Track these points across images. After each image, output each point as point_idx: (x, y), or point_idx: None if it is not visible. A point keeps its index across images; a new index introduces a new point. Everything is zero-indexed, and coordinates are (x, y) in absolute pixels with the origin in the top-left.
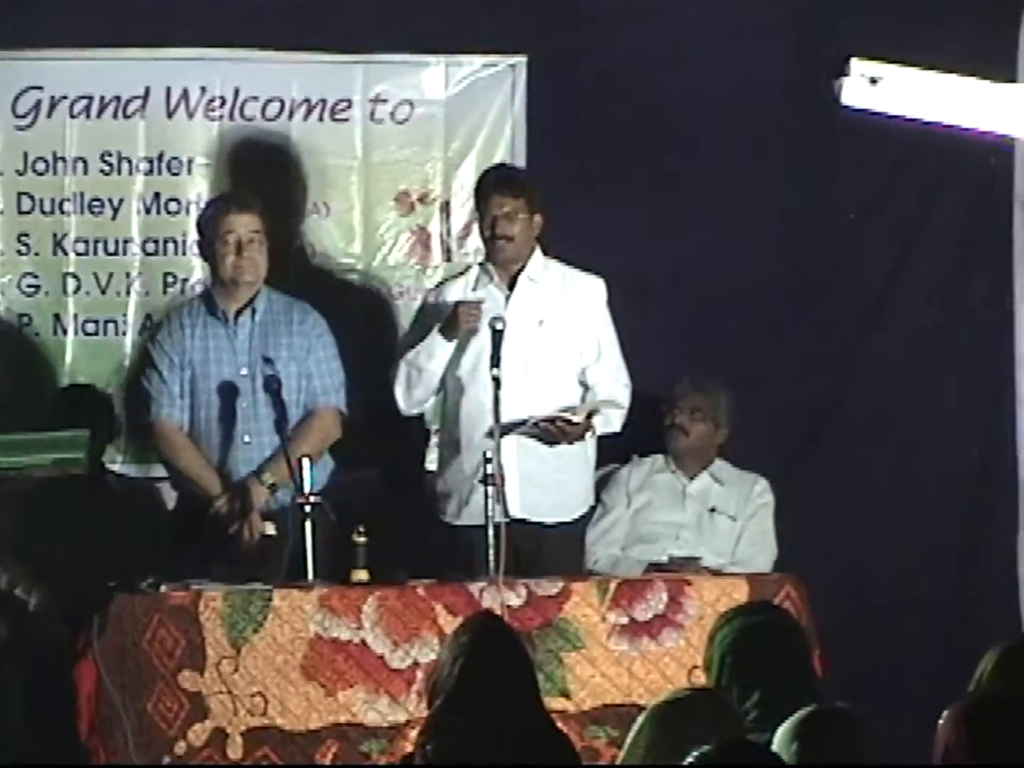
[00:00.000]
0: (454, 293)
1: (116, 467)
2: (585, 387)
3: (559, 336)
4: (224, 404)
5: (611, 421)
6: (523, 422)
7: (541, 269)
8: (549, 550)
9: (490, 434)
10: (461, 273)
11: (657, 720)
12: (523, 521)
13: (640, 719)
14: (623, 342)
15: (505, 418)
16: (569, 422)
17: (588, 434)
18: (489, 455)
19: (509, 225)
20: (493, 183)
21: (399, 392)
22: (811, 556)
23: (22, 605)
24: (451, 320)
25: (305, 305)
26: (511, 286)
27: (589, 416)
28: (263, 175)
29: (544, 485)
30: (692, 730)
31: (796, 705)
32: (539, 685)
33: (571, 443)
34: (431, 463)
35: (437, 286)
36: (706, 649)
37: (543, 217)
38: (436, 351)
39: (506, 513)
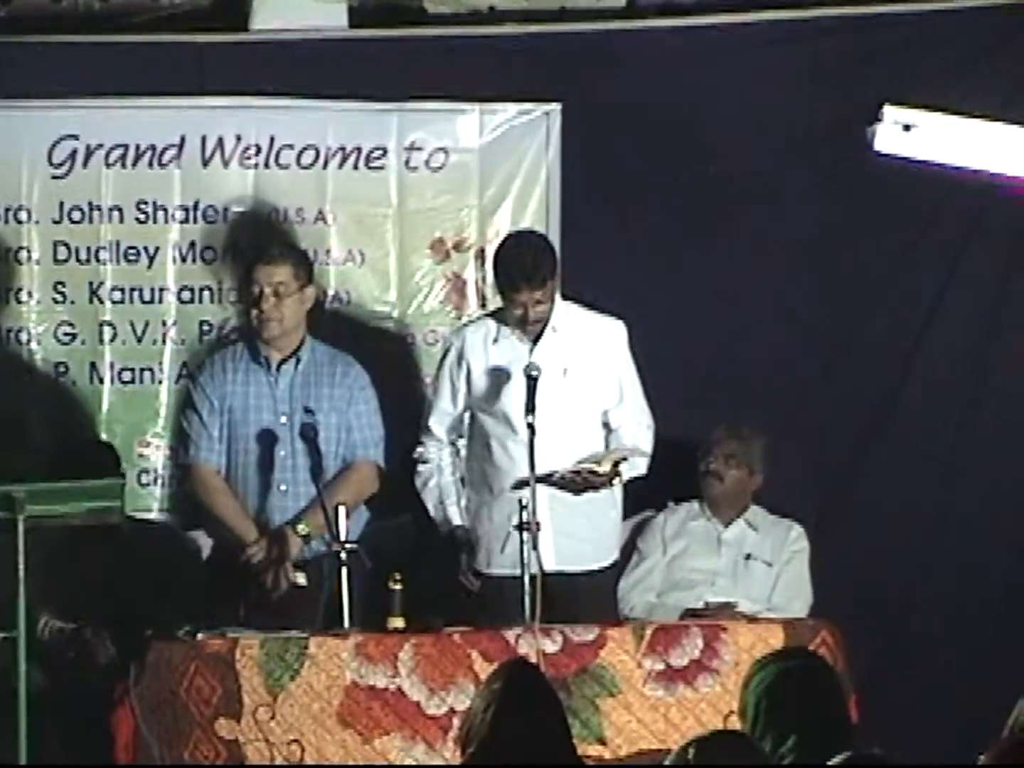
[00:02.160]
0: (476, 341)
1: (153, 515)
2: (608, 429)
3: (583, 383)
4: (262, 451)
5: (637, 465)
6: (550, 475)
7: (563, 317)
8: (582, 599)
9: (519, 484)
10: (480, 319)
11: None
12: (557, 573)
13: (667, 762)
14: (659, 386)
15: (537, 469)
16: (595, 472)
17: (616, 480)
18: (525, 502)
19: (540, 308)
20: (523, 279)
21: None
22: (847, 602)
23: (59, 655)
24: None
25: (348, 357)
26: (534, 337)
27: (615, 464)
28: (298, 223)
29: (577, 535)
30: None
31: (831, 752)
32: (572, 731)
33: (598, 490)
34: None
35: (458, 331)
36: (741, 695)
37: (573, 269)
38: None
39: (540, 566)
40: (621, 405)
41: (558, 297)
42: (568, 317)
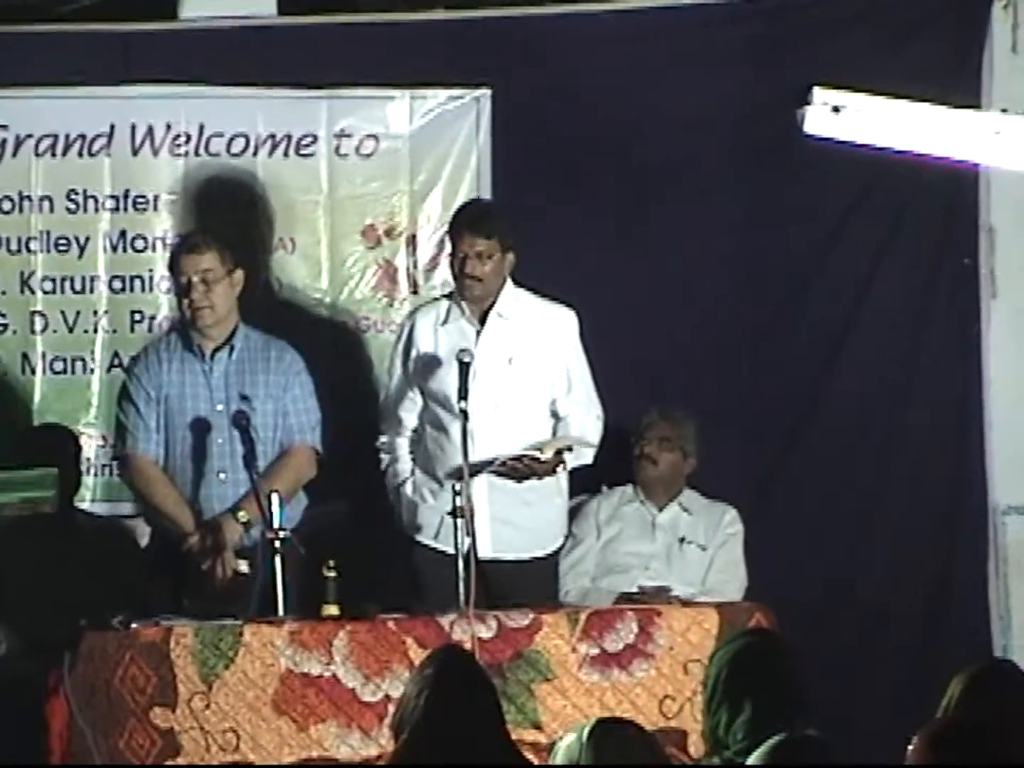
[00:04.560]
0: (425, 324)
1: (85, 504)
2: (557, 418)
3: (529, 372)
4: (198, 440)
5: (583, 455)
6: (491, 461)
7: (512, 304)
8: (523, 584)
9: (459, 469)
10: (434, 302)
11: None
12: (493, 560)
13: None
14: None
15: (477, 456)
16: (536, 459)
17: (560, 468)
18: (458, 488)
19: (479, 265)
20: (466, 222)
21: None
22: (780, 585)
23: None
24: None
25: (283, 343)
26: (482, 321)
27: (559, 453)
28: (229, 211)
29: (515, 523)
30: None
31: (782, 728)
32: (508, 716)
33: (541, 478)
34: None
35: (410, 315)
36: (706, 668)
37: (515, 254)
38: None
39: (475, 552)
40: (569, 395)
41: (509, 283)
42: (517, 304)
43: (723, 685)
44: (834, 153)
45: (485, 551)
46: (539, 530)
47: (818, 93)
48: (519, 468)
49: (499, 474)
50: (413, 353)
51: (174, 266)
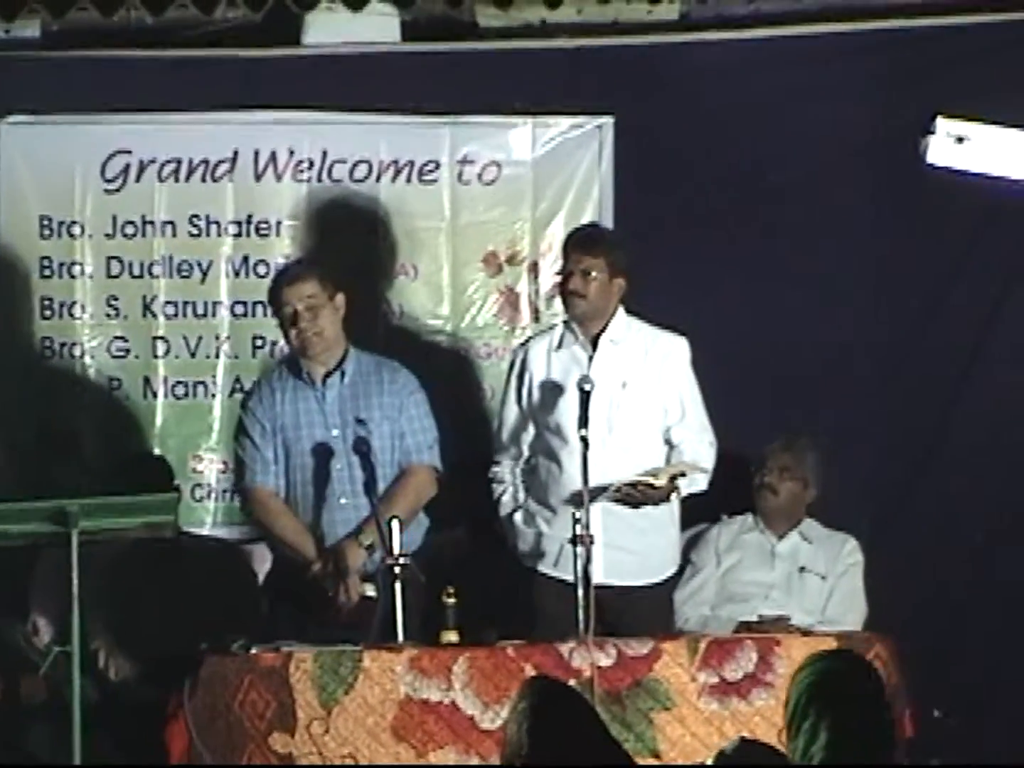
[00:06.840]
0: (539, 351)
1: (206, 529)
2: (670, 446)
3: (642, 397)
4: (318, 466)
5: (697, 481)
6: (606, 488)
7: (623, 330)
8: (636, 611)
9: (576, 496)
10: (548, 330)
11: None
12: (603, 586)
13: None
14: (712, 401)
15: (591, 480)
16: (651, 486)
17: (673, 495)
18: (578, 515)
19: (583, 283)
20: (575, 240)
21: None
22: (902, 616)
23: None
24: None
25: (395, 364)
26: (594, 347)
27: (673, 479)
28: (350, 237)
29: (629, 549)
30: None
31: (864, 755)
32: (625, 744)
33: (656, 504)
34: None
35: (523, 343)
36: (788, 689)
37: (627, 280)
38: None
39: (589, 579)
40: (682, 422)
41: (621, 311)
42: (629, 331)
43: (803, 709)
44: (960, 182)
45: (597, 576)
46: (651, 557)
47: (941, 123)
48: (634, 494)
49: (615, 500)
50: (527, 380)
51: (276, 299)
